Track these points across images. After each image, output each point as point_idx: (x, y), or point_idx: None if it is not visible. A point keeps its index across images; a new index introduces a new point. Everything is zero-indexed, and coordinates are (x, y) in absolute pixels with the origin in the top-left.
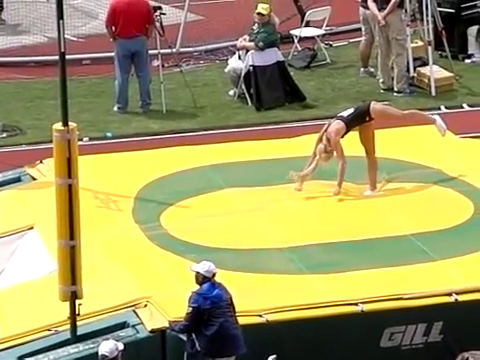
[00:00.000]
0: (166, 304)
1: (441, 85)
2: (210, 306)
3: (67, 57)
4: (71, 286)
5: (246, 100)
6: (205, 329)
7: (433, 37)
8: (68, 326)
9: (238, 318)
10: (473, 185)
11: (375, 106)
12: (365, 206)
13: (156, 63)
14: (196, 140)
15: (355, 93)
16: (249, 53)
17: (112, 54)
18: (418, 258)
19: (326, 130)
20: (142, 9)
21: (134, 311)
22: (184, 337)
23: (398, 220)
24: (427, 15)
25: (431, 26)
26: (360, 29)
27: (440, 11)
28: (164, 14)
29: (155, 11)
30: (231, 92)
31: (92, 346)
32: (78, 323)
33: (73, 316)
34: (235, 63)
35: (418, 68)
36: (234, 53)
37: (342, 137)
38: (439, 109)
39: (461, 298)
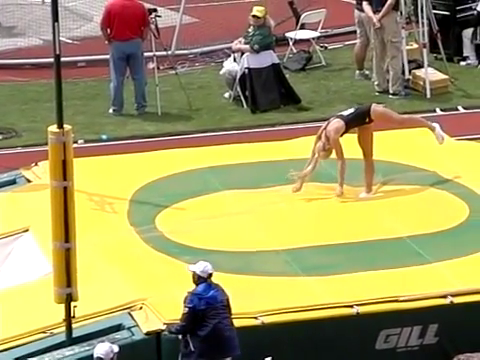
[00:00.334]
0: (161, 306)
1: (436, 87)
2: (205, 307)
3: (62, 59)
4: (66, 288)
5: (241, 102)
6: (199, 330)
7: (428, 39)
8: (63, 328)
9: (234, 320)
10: (468, 187)
11: (376, 108)
12: (361, 208)
13: (151, 65)
14: (191, 142)
15: (350, 95)
16: (244, 55)
17: (107, 56)
18: (413, 260)
19: (325, 128)
20: (137, 11)
21: (129, 313)
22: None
23: (393, 222)
24: (422, 17)
25: (426, 28)
26: (355, 31)
27: (435, 13)
28: (159, 16)
29: (150, 13)
30: (226, 94)
31: (87, 348)
32: (73, 325)
33: (68, 318)
34: (230, 65)
35: (413, 70)
36: (229, 55)
37: (341, 136)
38: (434, 111)
39: (456, 300)
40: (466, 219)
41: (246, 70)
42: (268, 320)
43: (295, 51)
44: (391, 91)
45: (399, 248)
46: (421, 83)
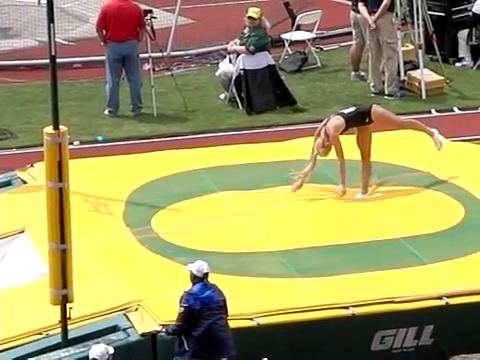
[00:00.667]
0: (157, 308)
1: (432, 88)
2: (200, 307)
3: (58, 61)
4: (62, 290)
5: (237, 104)
6: (193, 330)
7: (424, 40)
8: (59, 330)
9: (229, 321)
10: (464, 188)
11: (376, 109)
12: (356, 210)
13: (147, 67)
14: (187, 143)
15: (346, 97)
16: (240, 57)
17: (103, 58)
18: (409, 261)
19: (325, 125)
20: (133, 13)
21: (125, 315)
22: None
23: (389, 223)
24: (418, 19)
25: (422, 30)
26: (351, 33)
27: (431, 15)
28: (155, 18)
29: (146, 15)
30: (222, 96)
31: (83, 350)
32: (69, 327)
33: (64, 320)
34: (226, 67)
35: (409, 71)
36: (225, 57)
37: (341, 134)
38: (430, 112)
39: (452, 301)
40: (461, 220)
41: (242, 71)
42: (264, 321)
43: (291, 52)
44: (387, 92)
45: (395, 249)
46: (417, 84)
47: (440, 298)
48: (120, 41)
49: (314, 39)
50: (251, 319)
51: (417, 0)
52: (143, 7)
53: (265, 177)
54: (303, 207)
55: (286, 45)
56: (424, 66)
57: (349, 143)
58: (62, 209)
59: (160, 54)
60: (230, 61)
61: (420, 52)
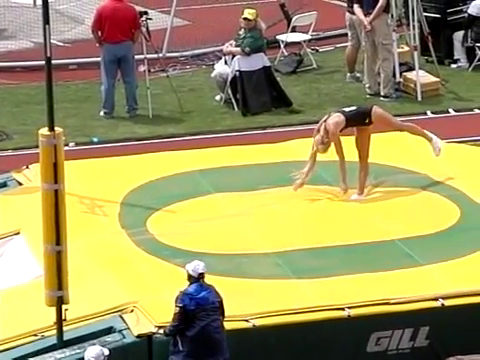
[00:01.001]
0: (152, 309)
1: (427, 90)
2: (195, 307)
3: (53, 62)
4: (57, 291)
5: (232, 105)
6: (187, 330)
7: (419, 42)
8: (54, 331)
9: (225, 322)
10: (459, 190)
11: (377, 110)
12: (352, 211)
13: (142, 68)
14: (182, 145)
15: (341, 98)
16: (235, 58)
17: (98, 59)
18: (404, 263)
19: (325, 121)
20: (128, 14)
21: (120, 316)
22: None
23: (385, 225)
24: (413, 20)
25: (417, 31)
26: (346, 34)
27: (426, 16)
28: (150, 19)
29: (141, 16)
30: (217, 97)
31: (78, 351)
32: (64, 328)
33: (59, 321)
34: (221, 68)
35: (404, 73)
36: (220, 58)
37: (340, 131)
38: (425, 114)
39: (447, 303)
40: (457, 221)
41: (237, 73)
42: (259, 323)
43: (286, 54)
44: (382, 93)
45: (390, 250)
46: (412, 86)
47: (436, 299)
48: (115, 42)
49: (309, 40)
50: (247, 320)
51: (412, 1)
52: (138, 8)
53: (261, 178)
54: (299, 208)
55: (281, 46)
56: (419, 68)
57: (347, 144)
58: (57, 211)
59: (155, 55)
60: (225, 62)
61: (415, 54)
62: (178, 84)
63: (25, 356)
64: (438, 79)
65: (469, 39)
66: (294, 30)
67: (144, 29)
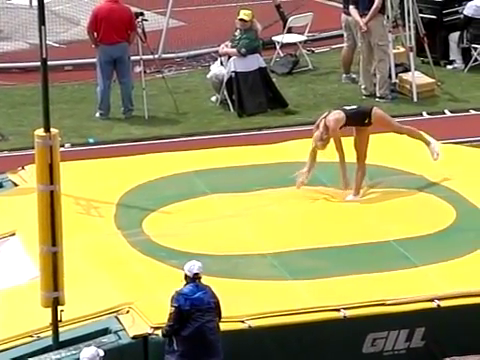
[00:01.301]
0: (148, 310)
1: (423, 91)
2: (189, 308)
3: (49, 63)
4: (53, 292)
5: (228, 106)
6: (182, 330)
7: (415, 43)
8: (50, 332)
9: (221, 324)
10: (455, 191)
11: (377, 111)
12: (348, 212)
13: (138, 69)
14: (178, 146)
15: (337, 99)
16: (231, 59)
17: (94, 60)
18: (400, 264)
19: (325, 117)
20: (124, 15)
21: (116, 317)
22: None
23: (381, 226)
24: (409, 21)
25: (413, 32)
26: (342, 35)
27: (422, 17)
28: (146, 20)
29: (137, 17)
30: (213, 98)
31: (74, 352)
32: (60, 329)
33: (55, 322)
34: (217, 69)
35: (400, 74)
36: (216, 59)
37: (340, 129)
38: (421, 115)
39: (443, 304)
40: (453, 222)
41: (233, 74)
42: (255, 324)
43: (282, 55)
44: (378, 94)
45: (386, 251)
46: (408, 87)
47: (431, 300)
48: (111, 43)
49: (305, 41)
50: (242, 321)
51: (408, 2)
52: (134, 9)
53: (256, 179)
54: (295, 209)
55: (277, 47)
56: (415, 69)
57: (345, 144)
58: (53, 212)
59: (151, 56)
60: (221, 63)
61: (411, 55)
62: (174, 85)
63: (21, 357)
64: (434, 80)
65: (465, 40)
66: (290, 31)
67: (140, 30)
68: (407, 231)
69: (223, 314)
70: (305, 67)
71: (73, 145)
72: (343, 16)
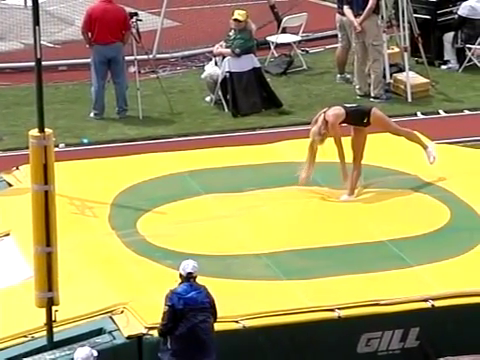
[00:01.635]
0: (143, 310)
1: (417, 91)
2: (183, 307)
3: (43, 63)
4: (48, 292)
5: (223, 106)
6: (176, 329)
7: (409, 43)
8: (44, 332)
9: (215, 324)
10: (450, 191)
11: (376, 111)
12: (342, 212)
13: (132, 69)
14: (173, 146)
15: (331, 99)
16: (225, 59)
17: (88, 60)
18: (394, 264)
19: (325, 112)
20: (118, 15)
21: (111, 317)
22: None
23: (375, 226)
24: (403, 21)
25: (407, 32)
26: (336, 35)
27: (416, 17)
28: (140, 20)
29: (131, 17)
30: (208, 98)
31: (68, 352)
32: (54, 329)
33: (49, 322)
34: (212, 69)
35: (394, 74)
36: (211, 59)
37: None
38: (415, 115)
39: (437, 304)
40: (447, 222)
41: (227, 74)
42: (249, 324)
43: (276, 55)
44: (372, 95)
45: (380, 251)
46: (402, 87)
47: (426, 300)
48: (106, 44)
49: (300, 42)
50: (237, 321)
51: (403, 3)
52: (128, 10)
53: (251, 180)
54: (289, 209)
55: (272, 48)
56: (410, 69)
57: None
58: (47, 212)
59: (146, 57)
60: (216, 64)
61: (406, 55)
62: (168, 85)
63: (15, 357)
64: (428, 80)
65: (459, 40)
66: (284, 31)
67: (134, 30)
68: (402, 231)
69: (218, 314)
70: (299, 67)
71: (67, 145)
72: (337, 16)
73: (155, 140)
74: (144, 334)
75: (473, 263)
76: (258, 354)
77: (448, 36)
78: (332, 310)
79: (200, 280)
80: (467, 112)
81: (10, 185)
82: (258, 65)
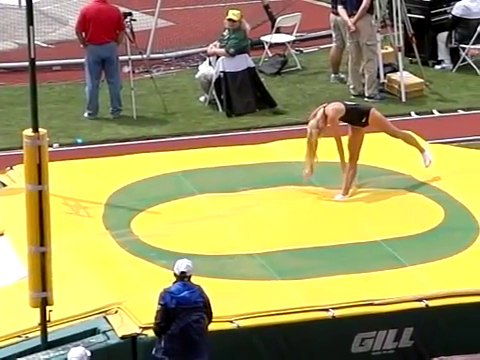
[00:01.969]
0: (137, 310)
1: (411, 91)
2: (175, 306)
3: (37, 63)
4: (42, 292)
5: (217, 106)
6: (168, 328)
7: (403, 43)
8: (38, 332)
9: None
10: (444, 191)
11: (375, 112)
12: (336, 211)
13: (126, 69)
14: (167, 146)
15: (326, 99)
16: (220, 59)
17: (82, 60)
18: (389, 264)
19: (324, 107)
20: (112, 15)
21: (105, 317)
22: None
23: (369, 225)
24: (397, 21)
25: (401, 32)
26: (330, 35)
27: (410, 17)
28: (134, 20)
29: (125, 17)
30: (202, 98)
31: (62, 352)
32: (48, 329)
33: (43, 322)
34: (206, 69)
35: (388, 74)
36: (205, 59)
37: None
38: (409, 115)
39: (431, 304)
40: (441, 222)
41: (221, 74)
42: (244, 324)
43: (270, 55)
44: (366, 94)
45: (375, 251)
46: (396, 87)
47: (420, 300)
48: (100, 43)
49: (294, 41)
50: (231, 321)
51: (396, 2)
52: (123, 9)
53: (245, 180)
54: (283, 209)
55: (266, 47)
56: (404, 69)
57: (330, 145)
58: (42, 212)
59: (140, 56)
60: (210, 63)
61: (400, 55)
62: (162, 85)
63: (9, 357)
64: (422, 80)
65: (453, 40)
66: (278, 31)
67: (128, 30)
68: (396, 231)
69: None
70: (294, 67)
71: (61, 145)
72: (332, 16)
73: (149, 140)
74: (138, 334)
75: (467, 263)
76: (252, 354)
77: (442, 36)
78: (326, 310)
79: (194, 280)
80: (461, 112)
81: (4, 185)
82: (252, 65)
